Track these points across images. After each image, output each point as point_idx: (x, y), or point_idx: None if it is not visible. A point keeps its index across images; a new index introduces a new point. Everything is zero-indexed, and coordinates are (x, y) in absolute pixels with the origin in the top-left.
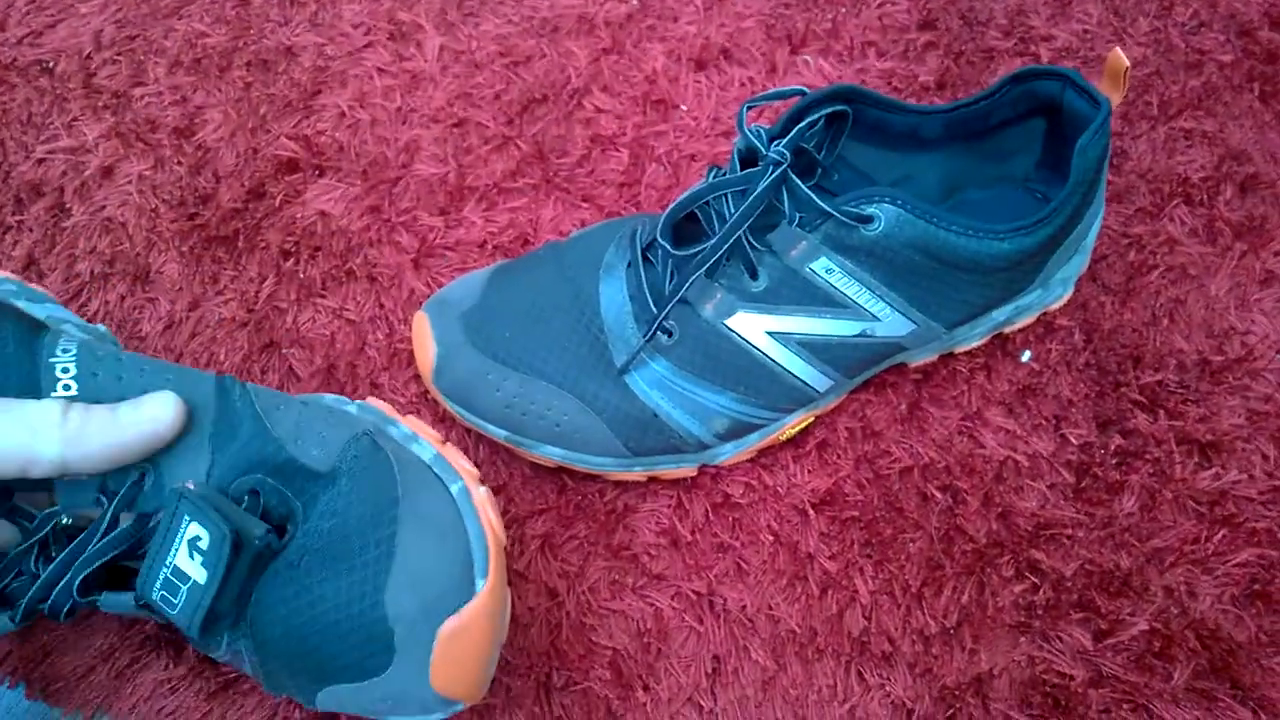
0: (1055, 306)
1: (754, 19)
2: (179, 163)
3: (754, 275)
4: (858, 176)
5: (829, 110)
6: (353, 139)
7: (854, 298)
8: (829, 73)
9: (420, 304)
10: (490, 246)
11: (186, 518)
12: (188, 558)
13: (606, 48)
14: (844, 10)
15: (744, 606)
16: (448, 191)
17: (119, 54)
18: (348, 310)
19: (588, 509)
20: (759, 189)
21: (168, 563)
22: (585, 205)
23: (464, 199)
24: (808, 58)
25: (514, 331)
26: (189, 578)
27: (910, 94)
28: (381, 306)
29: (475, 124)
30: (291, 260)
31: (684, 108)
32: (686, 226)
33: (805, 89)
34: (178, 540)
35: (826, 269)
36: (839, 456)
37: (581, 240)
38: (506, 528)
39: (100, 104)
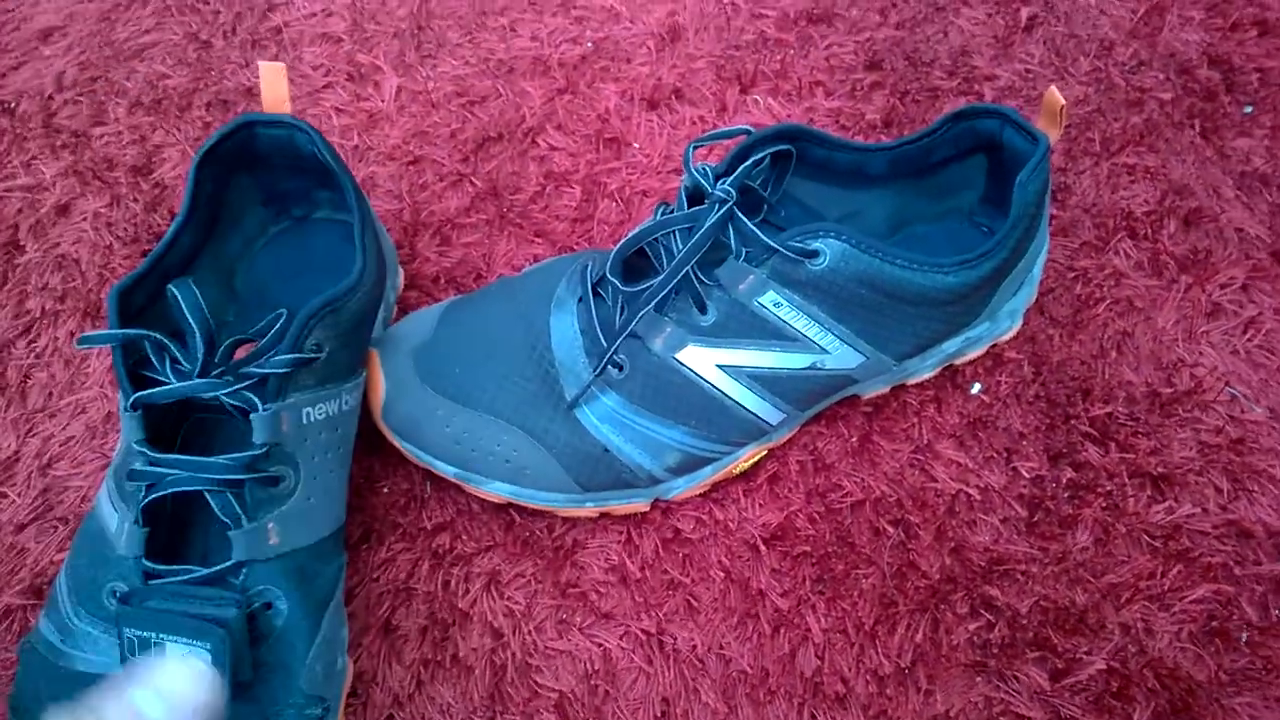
0: (1004, 339)
1: (705, 60)
2: (135, 200)
3: (703, 309)
4: (805, 213)
5: (774, 149)
6: None
7: (803, 331)
8: (778, 112)
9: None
10: (444, 281)
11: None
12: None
13: (561, 88)
14: (792, 52)
15: (694, 646)
16: (402, 227)
17: (80, 95)
18: None
19: (535, 545)
20: (705, 226)
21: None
22: (538, 240)
23: (418, 234)
24: (757, 97)
25: (464, 367)
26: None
27: (858, 132)
28: None
29: (431, 161)
30: None
31: (636, 146)
32: (636, 262)
33: (750, 128)
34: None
35: (775, 303)
36: (790, 490)
37: (533, 275)
38: (451, 566)
39: (59, 143)
